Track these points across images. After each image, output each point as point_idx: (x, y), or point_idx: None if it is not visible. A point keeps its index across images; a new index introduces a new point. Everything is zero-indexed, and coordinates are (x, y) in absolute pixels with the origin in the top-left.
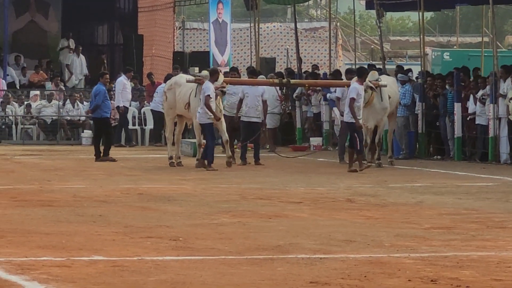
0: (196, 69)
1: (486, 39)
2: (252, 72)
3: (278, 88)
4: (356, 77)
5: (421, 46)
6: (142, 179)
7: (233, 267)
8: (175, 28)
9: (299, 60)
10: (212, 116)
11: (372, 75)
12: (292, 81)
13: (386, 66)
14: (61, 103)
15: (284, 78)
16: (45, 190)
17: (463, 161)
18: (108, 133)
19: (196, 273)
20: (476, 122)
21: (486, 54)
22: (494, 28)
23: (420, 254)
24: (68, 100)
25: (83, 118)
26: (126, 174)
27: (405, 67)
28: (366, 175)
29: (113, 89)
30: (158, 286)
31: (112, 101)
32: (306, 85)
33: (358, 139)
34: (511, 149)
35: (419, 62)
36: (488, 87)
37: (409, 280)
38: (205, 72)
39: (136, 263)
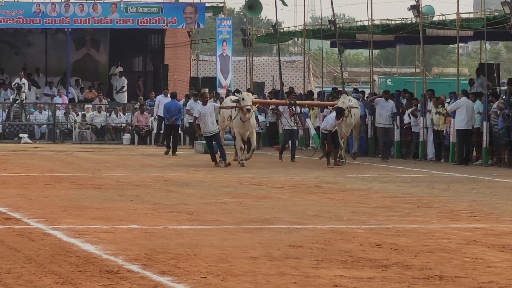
0: (206, 90)
1: (417, 69)
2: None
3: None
4: (335, 114)
5: (371, 74)
6: (167, 170)
7: (232, 234)
8: (191, 59)
9: (281, 84)
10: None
11: (343, 104)
12: (298, 102)
13: (345, 89)
14: (108, 113)
15: (292, 100)
16: (96, 177)
17: (401, 159)
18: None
19: (205, 238)
20: (412, 130)
21: (417, 81)
22: (424, 62)
23: (369, 226)
24: (112, 111)
25: (123, 124)
26: (155, 166)
27: (359, 90)
28: (330, 169)
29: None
30: (178, 247)
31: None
32: (306, 105)
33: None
34: (435, 150)
35: (369, 86)
36: (419, 105)
37: (360, 245)
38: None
39: (161, 230)
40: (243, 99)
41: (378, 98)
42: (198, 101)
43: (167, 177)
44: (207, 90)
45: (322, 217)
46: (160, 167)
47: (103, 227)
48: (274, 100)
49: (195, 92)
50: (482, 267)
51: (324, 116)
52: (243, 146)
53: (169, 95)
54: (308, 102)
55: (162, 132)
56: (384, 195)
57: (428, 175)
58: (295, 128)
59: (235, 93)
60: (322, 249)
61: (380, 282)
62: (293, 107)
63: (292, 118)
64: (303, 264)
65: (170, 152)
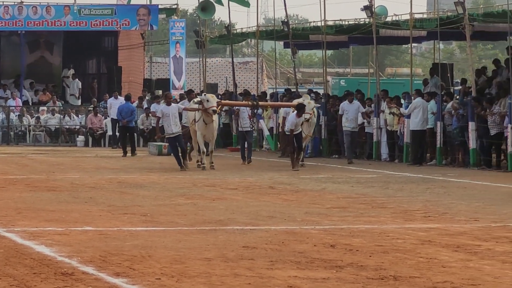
0: (160, 91)
1: (371, 70)
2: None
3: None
4: (297, 111)
5: (324, 75)
6: (121, 172)
7: (187, 235)
8: (145, 61)
9: (235, 85)
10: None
11: (309, 104)
12: (260, 103)
13: (299, 90)
14: (61, 116)
15: (255, 101)
16: (50, 179)
17: (355, 159)
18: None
19: (159, 239)
20: (366, 131)
21: (371, 81)
22: (377, 62)
23: (323, 227)
24: (66, 113)
25: (77, 127)
26: (109, 168)
27: (314, 91)
28: (284, 169)
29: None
30: (132, 249)
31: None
32: (269, 106)
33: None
34: (389, 150)
35: (323, 87)
36: (372, 105)
37: (314, 245)
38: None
39: (116, 232)
40: (207, 100)
41: (341, 105)
42: (161, 103)
43: (121, 179)
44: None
45: (276, 218)
46: (114, 169)
47: (58, 229)
48: (237, 102)
49: (157, 95)
50: (437, 267)
51: (284, 118)
52: (204, 150)
53: (119, 97)
54: (270, 103)
55: (118, 134)
56: (338, 195)
57: (382, 175)
58: (250, 129)
59: (197, 95)
60: (276, 250)
61: (334, 283)
62: (255, 108)
63: (253, 119)
64: (258, 265)
65: (128, 154)
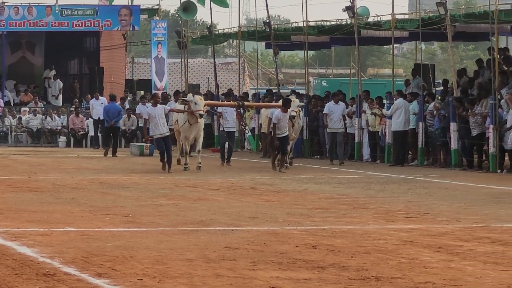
0: (142, 92)
1: (353, 70)
2: (228, 94)
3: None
4: (282, 106)
5: (306, 75)
6: (102, 172)
7: (168, 236)
8: (126, 62)
9: (217, 86)
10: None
11: (293, 103)
12: (246, 103)
13: (280, 90)
14: (43, 116)
15: (241, 102)
16: (32, 180)
17: (336, 160)
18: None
19: (141, 240)
20: (347, 131)
21: (353, 82)
22: (359, 63)
23: (305, 227)
24: (48, 114)
25: (59, 127)
26: (91, 168)
27: (296, 91)
28: (266, 170)
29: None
30: (114, 249)
31: (81, 115)
32: (254, 106)
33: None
34: (371, 151)
35: (304, 88)
36: (354, 106)
37: (296, 246)
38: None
39: (98, 233)
40: (195, 103)
41: (327, 105)
42: (147, 104)
43: (103, 179)
44: (142, 91)
45: (258, 218)
46: (96, 169)
47: (40, 230)
48: (223, 102)
49: (143, 95)
50: (418, 267)
51: (270, 119)
52: (188, 151)
53: (100, 98)
54: (256, 103)
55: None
56: (320, 196)
57: (364, 176)
58: (233, 130)
59: (188, 95)
60: (258, 250)
61: (316, 283)
62: (241, 108)
63: (242, 120)
64: (239, 266)
65: (109, 154)
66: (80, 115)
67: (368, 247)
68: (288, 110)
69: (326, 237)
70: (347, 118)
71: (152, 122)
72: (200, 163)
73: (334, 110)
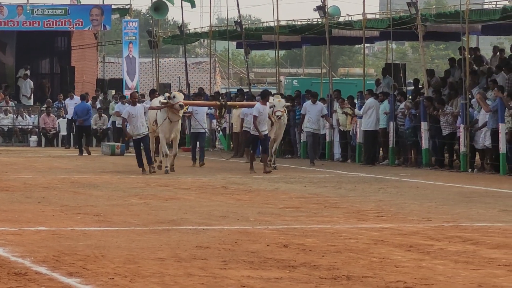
0: (113, 91)
1: (324, 70)
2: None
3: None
4: (260, 98)
5: (277, 75)
6: (74, 172)
7: (140, 235)
8: (98, 61)
9: (188, 85)
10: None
11: (279, 102)
12: (228, 103)
13: (252, 90)
14: (14, 116)
15: (223, 102)
16: (3, 179)
17: (307, 159)
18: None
19: (113, 239)
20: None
21: (324, 81)
22: (330, 62)
23: (276, 226)
24: (19, 113)
25: (30, 127)
26: (62, 168)
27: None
28: (237, 169)
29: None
30: (85, 249)
31: (52, 115)
32: (237, 106)
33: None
34: (342, 150)
35: (275, 87)
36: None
37: (267, 245)
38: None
39: (69, 232)
40: (174, 97)
41: (304, 104)
42: (126, 103)
43: (74, 179)
44: (113, 91)
45: (229, 217)
46: (67, 169)
47: (11, 229)
48: (204, 102)
49: (123, 95)
50: (389, 266)
51: (243, 120)
52: (168, 152)
53: (75, 97)
54: (238, 103)
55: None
56: (291, 195)
57: (335, 175)
58: (202, 130)
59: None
60: (229, 249)
61: (287, 283)
62: (223, 108)
63: (223, 119)
64: (211, 265)
65: (85, 153)
66: (51, 115)
67: (339, 246)
68: (267, 103)
69: (297, 236)
70: (327, 119)
71: (131, 123)
72: (167, 166)
73: (311, 110)
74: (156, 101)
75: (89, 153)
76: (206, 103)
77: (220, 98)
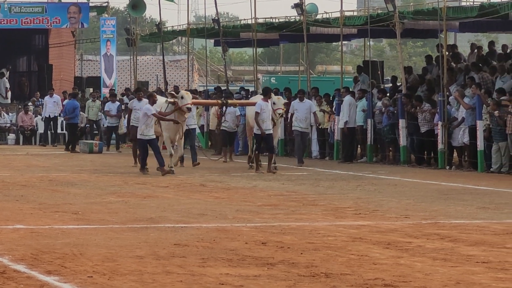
0: (91, 89)
1: (302, 68)
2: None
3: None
4: (262, 95)
5: (255, 72)
6: (52, 170)
7: (118, 233)
8: (75, 59)
9: (166, 83)
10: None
11: (279, 100)
12: (230, 101)
13: (230, 88)
14: None
15: (225, 100)
16: None
17: (285, 156)
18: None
19: (91, 237)
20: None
21: (302, 79)
22: (308, 60)
23: (254, 224)
24: None
25: (8, 125)
26: (40, 166)
27: (245, 88)
28: (215, 167)
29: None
30: (64, 247)
31: (30, 113)
32: (237, 104)
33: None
34: (320, 148)
35: (253, 85)
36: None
37: (246, 243)
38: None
39: (47, 230)
40: (182, 97)
41: (293, 102)
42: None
43: (52, 177)
44: (91, 89)
45: (207, 215)
46: (45, 167)
47: None
48: (206, 100)
49: (137, 88)
50: (368, 264)
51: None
52: (172, 152)
53: (54, 96)
54: (238, 101)
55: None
56: (269, 193)
57: (313, 173)
58: (193, 126)
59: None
60: (208, 247)
61: (266, 280)
62: (224, 107)
63: (223, 118)
64: (189, 263)
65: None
66: (29, 113)
67: (317, 243)
68: (269, 100)
69: (275, 234)
70: (317, 120)
71: (145, 122)
72: (171, 166)
73: (299, 108)
74: (162, 100)
75: (73, 150)
76: (208, 102)
77: (222, 96)
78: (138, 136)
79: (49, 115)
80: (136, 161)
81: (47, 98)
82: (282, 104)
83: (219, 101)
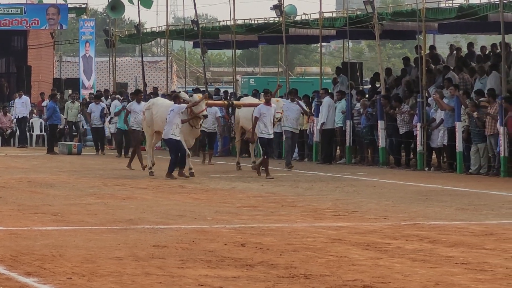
0: (70, 91)
1: (280, 69)
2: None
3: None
4: (264, 100)
5: (234, 74)
6: (30, 171)
7: (97, 235)
8: (54, 60)
9: (145, 84)
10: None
11: (278, 103)
12: (235, 102)
13: (208, 89)
14: None
15: (231, 101)
16: None
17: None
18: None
19: (70, 238)
20: (274, 130)
21: (281, 80)
22: (287, 61)
23: (233, 225)
24: None
25: None
26: (19, 167)
27: (222, 90)
28: (194, 169)
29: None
30: (43, 248)
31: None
32: (242, 105)
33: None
34: (299, 149)
35: (232, 86)
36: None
37: (225, 244)
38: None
39: (26, 232)
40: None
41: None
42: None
43: (31, 178)
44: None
45: (186, 217)
46: (24, 168)
47: None
48: (214, 101)
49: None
50: (347, 265)
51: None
52: (190, 153)
53: (23, 96)
54: (243, 102)
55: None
56: (248, 194)
57: (292, 174)
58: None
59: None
60: (187, 249)
61: (245, 281)
62: (230, 108)
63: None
64: (168, 264)
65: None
66: (8, 114)
67: (296, 245)
68: (273, 105)
69: (254, 235)
70: (307, 120)
71: (176, 122)
72: (191, 169)
73: (289, 108)
74: (165, 103)
75: (51, 151)
76: (216, 103)
77: (228, 97)
78: (169, 136)
79: (18, 116)
80: (142, 164)
81: (16, 99)
82: (281, 107)
83: (226, 102)
